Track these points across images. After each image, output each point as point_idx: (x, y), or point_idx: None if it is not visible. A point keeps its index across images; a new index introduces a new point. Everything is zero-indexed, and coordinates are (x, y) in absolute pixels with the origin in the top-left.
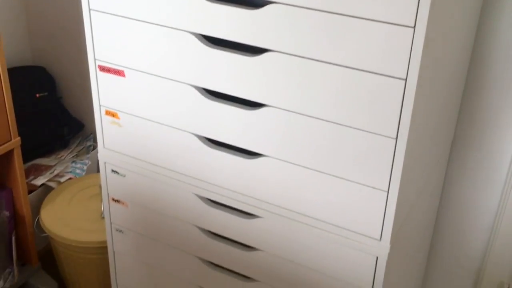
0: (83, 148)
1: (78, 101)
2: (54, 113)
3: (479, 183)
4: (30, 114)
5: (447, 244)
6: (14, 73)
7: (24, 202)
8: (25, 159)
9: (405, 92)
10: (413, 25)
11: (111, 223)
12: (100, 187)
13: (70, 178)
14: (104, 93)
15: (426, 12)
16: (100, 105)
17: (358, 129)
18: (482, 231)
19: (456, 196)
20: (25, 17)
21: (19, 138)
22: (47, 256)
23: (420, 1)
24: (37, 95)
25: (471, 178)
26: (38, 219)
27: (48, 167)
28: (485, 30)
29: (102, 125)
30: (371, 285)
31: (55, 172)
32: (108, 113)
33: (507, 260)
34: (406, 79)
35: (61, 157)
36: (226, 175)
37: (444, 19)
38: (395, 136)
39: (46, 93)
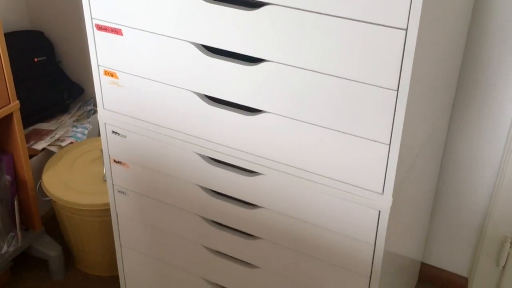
0: (84, 112)
1: (78, 65)
2: (53, 77)
3: (481, 138)
4: (29, 78)
5: (450, 200)
6: (12, 37)
7: (25, 166)
8: (25, 125)
9: (406, 43)
10: None
11: (113, 185)
12: (101, 151)
13: (71, 143)
14: (102, 52)
15: None
16: (98, 65)
17: (359, 82)
18: (485, 186)
19: (458, 151)
20: None
21: (17, 101)
22: (50, 221)
23: None
24: (36, 59)
25: (473, 133)
26: (40, 183)
27: (48, 132)
28: None
29: (101, 86)
30: (374, 239)
31: (56, 137)
32: (106, 73)
33: (509, 215)
34: (406, 30)
35: (61, 121)
36: (227, 133)
37: None
38: (396, 88)
39: (44, 58)
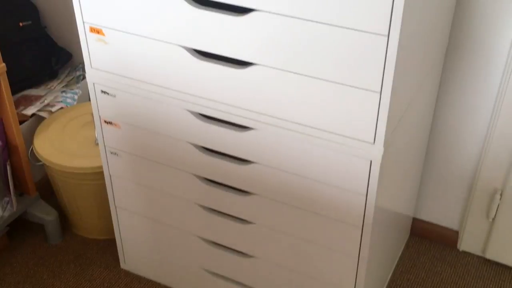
0: (73, 78)
1: (64, 30)
2: (40, 43)
3: (473, 88)
4: (15, 43)
5: (440, 154)
6: None
7: (16, 131)
8: (13, 91)
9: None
10: None
11: (105, 146)
12: (92, 114)
13: (61, 108)
14: (87, 8)
15: None
16: (83, 22)
17: (348, 28)
18: (475, 138)
19: (450, 101)
20: None
21: (4, 64)
22: (45, 187)
23: None
24: (21, 23)
25: (465, 83)
26: (32, 149)
27: (38, 97)
28: None
29: (88, 44)
30: (366, 190)
31: (46, 102)
32: (92, 30)
33: (500, 167)
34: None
35: (50, 87)
36: (217, 88)
37: None
38: (386, 34)
39: (30, 22)
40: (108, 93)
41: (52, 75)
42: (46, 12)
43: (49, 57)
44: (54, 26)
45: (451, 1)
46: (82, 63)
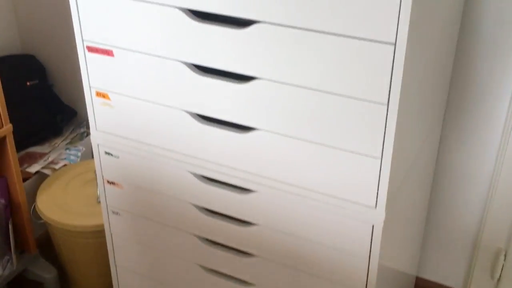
0: (77, 135)
1: (70, 88)
2: (46, 101)
3: (473, 149)
4: (22, 102)
5: (443, 212)
6: (3, 62)
7: (19, 189)
8: (18, 148)
9: (395, 57)
10: None
11: (107, 206)
12: (95, 172)
13: (65, 165)
14: (93, 74)
15: None
16: (90, 87)
17: (349, 97)
18: (478, 198)
19: (451, 163)
20: (13, 6)
21: (10, 125)
22: (45, 243)
23: None
24: (28, 83)
25: (465, 144)
26: (34, 206)
27: (42, 155)
28: None
29: (93, 107)
30: (368, 253)
31: (50, 159)
32: (98, 94)
33: (503, 226)
34: (395, 44)
35: (54, 144)
36: (220, 151)
37: None
38: (386, 102)
39: (36, 81)
40: (111, 154)
41: (56, 132)
42: (53, 70)
43: (55, 114)
44: (60, 84)
45: (448, 67)
46: (86, 120)
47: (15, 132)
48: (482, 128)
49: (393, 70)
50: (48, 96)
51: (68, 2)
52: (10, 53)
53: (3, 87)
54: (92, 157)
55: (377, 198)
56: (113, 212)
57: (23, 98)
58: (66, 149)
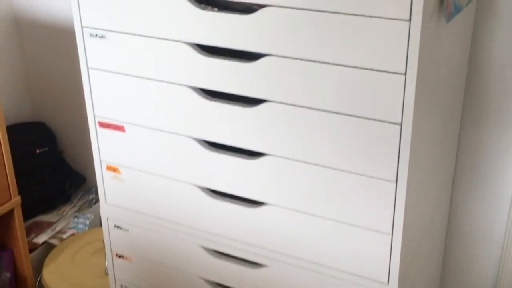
0: (85, 202)
1: (79, 154)
2: (55, 167)
3: (483, 218)
4: (31, 170)
5: (456, 281)
6: (14, 130)
7: (25, 262)
8: (26, 216)
9: (401, 136)
10: (403, 72)
11: (115, 280)
12: (103, 242)
13: (72, 234)
14: (104, 148)
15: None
16: (101, 161)
17: (358, 173)
18: (489, 266)
19: (461, 232)
20: (25, 74)
21: (19, 197)
22: None
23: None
24: (38, 151)
25: (475, 214)
26: (40, 279)
27: (50, 224)
28: (477, 62)
29: (104, 181)
30: None
31: (57, 229)
32: (109, 168)
33: None
34: (401, 124)
35: (62, 212)
36: (230, 225)
37: (433, 65)
38: (395, 179)
39: (46, 149)
40: (121, 228)
41: (65, 200)
42: (63, 136)
43: (63, 181)
44: (69, 150)
45: (453, 142)
46: (95, 186)
47: (23, 201)
48: (491, 196)
49: (400, 149)
50: (58, 163)
51: (79, 74)
52: (21, 120)
53: (13, 155)
54: (101, 225)
55: (389, 274)
56: (122, 286)
57: (32, 166)
58: (74, 217)
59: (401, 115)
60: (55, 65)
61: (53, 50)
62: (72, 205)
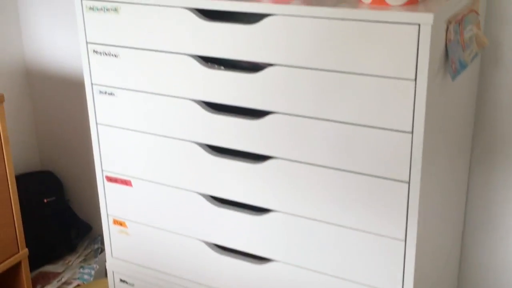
0: (91, 251)
1: (85, 202)
2: (62, 216)
3: (495, 265)
4: (38, 220)
5: None
6: (22, 180)
7: None
8: (33, 266)
9: (410, 195)
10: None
11: None
12: None
13: (78, 285)
14: (111, 202)
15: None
16: (108, 215)
17: (366, 231)
18: None
19: (473, 280)
20: (34, 124)
21: (26, 250)
22: None
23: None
24: (45, 200)
25: (487, 260)
26: None
27: (55, 275)
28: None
29: (110, 235)
30: None
31: (63, 280)
32: (116, 222)
33: None
34: (409, 182)
35: (68, 262)
36: (236, 282)
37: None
38: (403, 238)
39: (54, 198)
40: (127, 282)
41: (71, 249)
42: (70, 185)
43: (70, 229)
44: (76, 198)
45: (462, 191)
46: (101, 235)
47: (29, 250)
48: (500, 244)
49: (409, 206)
50: (64, 211)
51: (87, 123)
52: (29, 169)
53: (21, 205)
54: (106, 275)
55: None
56: None
57: (39, 216)
58: (80, 267)
59: (408, 173)
60: (63, 115)
61: (62, 101)
62: (78, 254)
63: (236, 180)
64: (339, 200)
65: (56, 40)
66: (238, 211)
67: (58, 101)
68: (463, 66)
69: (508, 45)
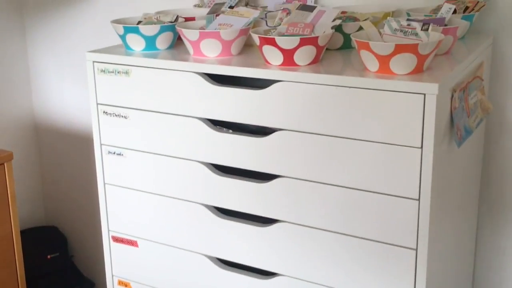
0: None
1: (90, 260)
2: (65, 272)
3: None
4: (41, 276)
5: None
6: (27, 235)
7: None
8: None
9: (417, 262)
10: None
11: None
12: None
13: None
14: (117, 263)
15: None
16: (112, 275)
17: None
18: None
19: None
20: (41, 179)
21: None
22: None
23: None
24: (49, 256)
25: None
26: None
27: None
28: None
29: None
30: None
31: None
32: (121, 283)
33: None
34: (416, 249)
35: None
36: None
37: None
38: None
39: (57, 254)
40: None
41: None
42: (75, 241)
43: (73, 286)
44: (80, 254)
45: (470, 259)
46: None
47: None
48: None
49: (416, 276)
50: (68, 268)
51: (93, 180)
52: (34, 224)
53: (24, 261)
54: None
55: None
56: None
57: (42, 272)
58: None
59: (416, 240)
60: (71, 171)
61: (69, 158)
62: None
63: (242, 242)
64: (345, 265)
65: (65, 97)
66: (243, 274)
67: (66, 157)
68: (468, 132)
69: None
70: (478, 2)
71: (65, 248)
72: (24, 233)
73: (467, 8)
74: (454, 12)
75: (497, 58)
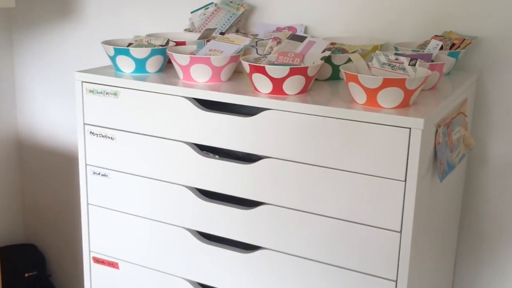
0: None
1: (68, 279)
2: None
3: None
4: None
5: None
6: (4, 252)
7: None
8: None
9: None
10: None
11: None
12: None
13: None
14: (96, 284)
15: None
16: None
17: None
18: None
19: None
20: (21, 196)
21: None
22: None
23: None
24: (26, 275)
25: None
26: None
27: None
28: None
29: None
30: None
31: None
32: None
33: None
34: (396, 281)
35: None
36: None
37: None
38: None
39: (35, 273)
40: None
41: None
42: (53, 260)
43: None
44: (58, 274)
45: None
46: None
47: None
48: None
49: None
50: (45, 287)
51: (75, 199)
52: (12, 242)
53: (1, 279)
54: None
55: None
56: None
57: None
58: None
59: (396, 271)
60: (52, 189)
61: (51, 176)
62: None
63: (224, 268)
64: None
65: (50, 115)
66: None
67: (48, 175)
68: (451, 167)
69: (494, 145)
70: (464, 39)
71: (43, 267)
72: (2, 251)
73: (453, 44)
74: (441, 48)
75: (481, 95)
